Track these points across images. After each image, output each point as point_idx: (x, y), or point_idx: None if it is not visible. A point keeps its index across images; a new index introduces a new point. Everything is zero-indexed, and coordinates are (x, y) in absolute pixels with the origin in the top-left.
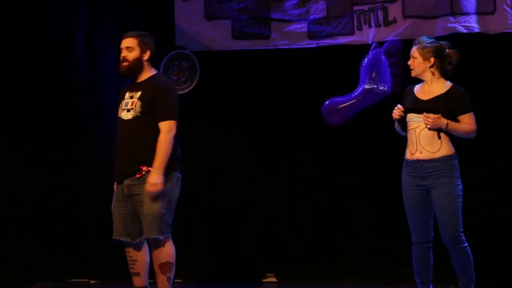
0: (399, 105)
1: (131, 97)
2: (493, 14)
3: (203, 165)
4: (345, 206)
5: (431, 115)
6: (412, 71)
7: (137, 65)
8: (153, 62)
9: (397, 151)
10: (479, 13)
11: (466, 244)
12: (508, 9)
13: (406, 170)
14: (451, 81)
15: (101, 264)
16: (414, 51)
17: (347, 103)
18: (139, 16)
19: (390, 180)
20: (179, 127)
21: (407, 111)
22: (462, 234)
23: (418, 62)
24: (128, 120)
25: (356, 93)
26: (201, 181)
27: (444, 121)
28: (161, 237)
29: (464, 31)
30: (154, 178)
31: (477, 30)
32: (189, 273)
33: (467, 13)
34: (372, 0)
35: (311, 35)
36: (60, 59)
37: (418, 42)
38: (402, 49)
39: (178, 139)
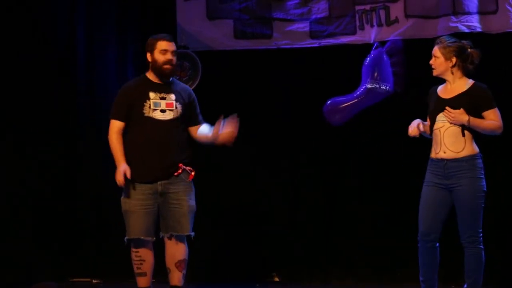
0: (415, 124)
1: (163, 98)
2: (495, 14)
3: (203, 164)
4: (345, 206)
5: (452, 110)
6: (434, 71)
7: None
8: None
9: (397, 151)
10: (481, 12)
11: (482, 247)
12: (510, 8)
13: (430, 168)
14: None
15: (103, 263)
16: (436, 50)
17: (349, 103)
18: (140, 16)
19: (390, 180)
20: None
21: (431, 114)
22: (481, 235)
23: (440, 62)
24: (166, 120)
25: (358, 93)
26: (201, 180)
27: (466, 117)
28: (193, 233)
29: (466, 30)
30: None
31: (479, 30)
32: (190, 273)
33: (469, 13)
34: (374, 0)
35: (313, 35)
36: (60, 59)
37: (440, 42)
38: (404, 48)
39: None
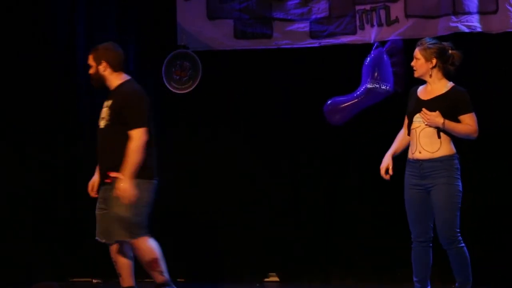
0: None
1: (106, 106)
2: (495, 14)
3: (204, 164)
4: (345, 206)
5: (428, 112)
6: (415, 72)
7: (98, 78)
8: (119, 68)
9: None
10: (481, 12)
11: (463, 245)
12: (510, 8)
13: (408, 169)
14: (454, 81)
15: (103, 263)
16: (417, 52)
17: (349, 103)
18: (141, 16)
19: (391, 179)
20: (152, 134)
21: (409, 114)
22: (459, 234)
23: (420, 63)
24: (101, 128)
25: (358, 93)
26: (202, 180)
27: (441, 119)
28: (131, 239)
29: (466, 30)
30: (124, 185)
31: (479, 30)
32: (192, 272)
33: (469, 13)
34: (374, 0)
35: (313, 35)
36: (60, 59)
37: (421, 44)
38: (404, 48)
39: (152, 147)
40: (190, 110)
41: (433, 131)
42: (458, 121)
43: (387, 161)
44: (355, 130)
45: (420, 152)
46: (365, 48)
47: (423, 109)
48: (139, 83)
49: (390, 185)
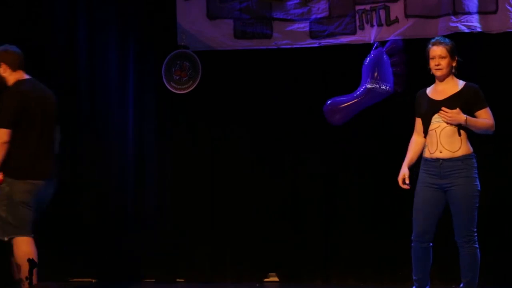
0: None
1: None
2: (495, 14)
3: (204, 164)
4: (346, 205)
5: (449, 110)
6: (439, 71)
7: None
8: (18, 68)
9: (398, 150)
10: (481, 12)
11: (477, 246)
12: (510, 8)
13: (424, 168)
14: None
15: (102, 263)
16: (443, 50)
17: (349, 103)
18: (141, 15)
19: (391, 179)
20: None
21: (424, 116)
22: (476, 234)
23: (447, 62)
24: None
25: (358, 93)
26: (203, 180)
27: (463, 116)
28: (5, 238)
29: (466, 30)
30: None
31: (479, 30)
32: (191, 273)
33: (469, 13)
34: (374, 0)
35: (313, 35)
36: (61, 61)
37: (439, 42)
38: (404, 48)
39: (40, 147)
40: (190, 110)
41: (454, 130)
42: (475, 117)
43: (404, 172)
44: (356, 130)
45: (441, 152)
46: (365, 48)
47: (443, 108)
48: (139, 83)
49: (390, 185)
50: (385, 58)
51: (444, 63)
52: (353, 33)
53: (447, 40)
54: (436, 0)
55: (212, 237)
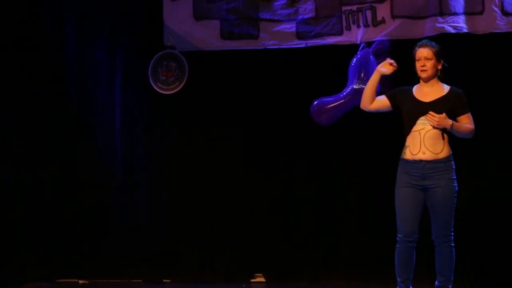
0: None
1: None
2: (482, 14)
3: (192, 166)
4: (334, 206)
5: (436, 115)
6: (424, 73)
7: None
8: None
9: (390, 150)
10: (468, 13)
11: (453, 244)
12: (496, 9)
13: (405, 169)
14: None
15: (90, 263)
16: (429, 52)
17: (336, 103)
18: (127, 15)
19: (381, 180)
20: None
21: (411, 116)
22: (453, 234)
23: (433, 64)
24: None
25: (344, 93)
26: (189, 181)
27: (449, 121)
28: None
29: (453, 31)
30: None
31: (465, 30)
32: (178, 273)
33: (455, 13)
34: (361, 0)
35: (299, 35)
36: (50, 62)
37: (426, 45)
38: (390, 49)
39: None
40: (177, 110)
41: (439, 133)
42: (457, 122)
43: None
44: (344, 130)
45: (424, 153)
46: (352, 48)
47: (431, 112)
48: (127, 83)
49: (380, 186)
50: (372, 59)
51: (429, 64)
52: (340, 33)
53: (433, 43)
54: (423, 0)
55: (199, 237)
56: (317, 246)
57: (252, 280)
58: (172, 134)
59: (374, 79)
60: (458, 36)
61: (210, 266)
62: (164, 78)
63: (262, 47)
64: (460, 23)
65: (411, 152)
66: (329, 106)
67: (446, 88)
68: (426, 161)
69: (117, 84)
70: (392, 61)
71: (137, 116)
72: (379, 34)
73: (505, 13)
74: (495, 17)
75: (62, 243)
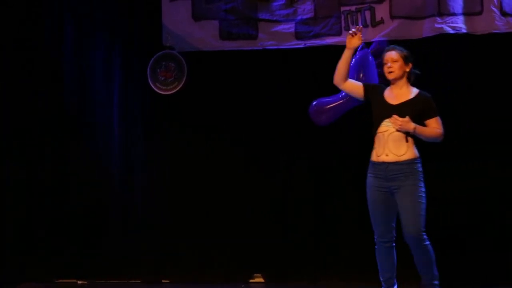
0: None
1: None
2: (480, 15)
3: (191, 166)
4: (332, 206)
5: (400, 118)
6: (391, 74)
7: None
8: None
9: None
10: (466, 13)
11: (428, 242)
12: (495, 9)
13: (372, 171)
14: (438, 81)
15: (88, 264)
16: (395, 54)
17: (335, 104)
18: (126, 15)
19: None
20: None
21: (377, 118)
22: (424, 233)
23: (399, 65)
24: None
25: (343, 94)
26: (187, 181)
27: (412, 125)
28: None
29: (451, 31)
30: None
31: (464, 31)
32: (177, 274)
33: (454, 14)
34: (360, 1)
35: (298, 36)
36: (48, 62)
37: (393, 48)
38: None
39: None
40: (177, 110)
41: (402, 135)
42: (424, 125)
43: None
44: (342, 131)
45: (387, 155)
46: None
47: (394, 115)
48: (125, 84)
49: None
50: (371, 59)
51: (395, 66)
52: (339, 34)
53: (402, 48)
54: (421, 1)
55: (198, 237)
56: (317, 246)
57: (251, 280)
58: (172, 134)
59: (345, 56)
60: (457, 37)
61: (210, 266)
62: (163, 78)
63: (261, 48)
64: (459, 24)
65: (376, 154)
66: (328, 106)
67: (414, 92)
68: (389, 163)
69: (116, 84)
70: (351, 31)
71: (136, 116)
72: (378, 35)
73: (504, 13)
74: (494, 17)
75: (62, 243)
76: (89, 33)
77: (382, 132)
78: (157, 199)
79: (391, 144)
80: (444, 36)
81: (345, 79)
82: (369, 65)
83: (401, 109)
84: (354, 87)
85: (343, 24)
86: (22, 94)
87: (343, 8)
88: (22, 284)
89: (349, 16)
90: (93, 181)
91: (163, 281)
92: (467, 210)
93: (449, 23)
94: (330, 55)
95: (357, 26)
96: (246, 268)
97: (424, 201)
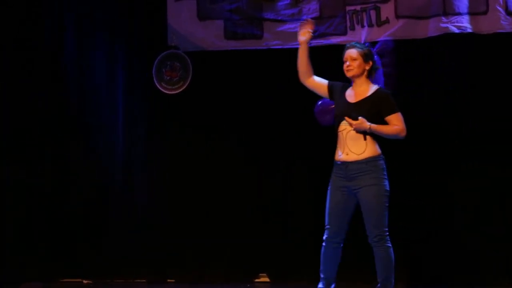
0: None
1: None
2: (486, 14)
3: (195, 166)
4: None
5: (352, 121)
6: (349, 72)
7: None
8: None
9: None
10: (472, 13)
11: (390, 245)
12: (500, 9)
13: (334, 171)
14: (444, 81)
15: (93, 263)
16: (355, 52)
17: None
18: (131, 16)
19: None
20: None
21: (337, 117)
22: (387, 234)
23: (358, 63)
24: None
25: None
26: (191, 181)
27: (366, 125)
28: None
29: (457, 31)
30: None
31: (469, 30)
32: (182, 273)
33: (459, 13)
34: (365, 0)
35: None
36: (50, 61)
37: (353, 46)
38: (394, 49)
39: None
40: (181, 110)
41: (360, 134)
42: (385, 122)
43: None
44: None
45: (347, 154)
46: None
47: (346, 118)
48: (129, 83)
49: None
50: (376, 59)
51: (354, 64)
52: (344, 33)
53: (362, 45)
54: (427, 0)
55: (202, 237)
56: (317, 246)
57: (256, 280)
58: (172, 134)
59: (301, 52)
60: (462, 36)
61: (214, 266)
62: (168, 78)
63: (266, 47)
64: (464, 23)
65: (337, 154)
66: (333, 106)
67: (372, 89)
68: (349, 162)
69: (119, 84)
70: (301, 22)
71: (136, 116)
72: (383, 34)
73: (509, 13)
74: (499, 17)
75: (66, 243)
76: (92, 32)
77: (341, 131)
78: (162, 198)
79: (350, 142)
80: (450, 35)
81: (308, 75)
82: None
83: (359, 107)
84: (318, 85)
85: (348, 24)
86: (22, 94)
87: (348, 8)
88: (26, 283)
89: (354, 15)
90: (98, 180)
91: (168, 280)
92: (467, 210)
93: (454, 22)
94: (335, 55)
95: (306, 20)
96: (246, 268)
97: (386, 200)
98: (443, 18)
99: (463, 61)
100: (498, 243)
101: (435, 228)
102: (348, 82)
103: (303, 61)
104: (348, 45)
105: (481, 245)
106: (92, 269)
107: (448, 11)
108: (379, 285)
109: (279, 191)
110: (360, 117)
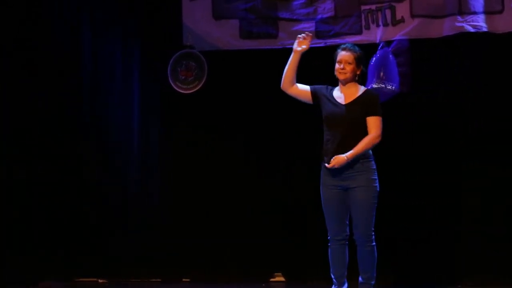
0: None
1: None
2: (501, 13)
3: (209, 164)
4: None
5: (332, 162)
6: (343, 75)
7: None
8: None
9: (401, 150)
10: (487, 12)
11: (375, 244)
12: None
13: (325, 170)
14: (459, 80)
15: (109, 263)
16: (350, 57)
17: None
18: (146, 15)
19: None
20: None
21: (331, 118)
22: (373, 233)
23: (352, 68)
24: None
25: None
26: (204, 179)
27: (344, 159)
28: None
29: (472, 30)
30: None
31: (485, 30)
32: (197, 272)
33: (475, 12)
34: (380, 0)
35: (318, 35)
36: (66, 60)
37: (348, 49)
38: (410, 48)
39: None
40: (196, 110)
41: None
42: (365, 122)
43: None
44: None
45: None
46: (371, 48)
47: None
48: (145, 83)
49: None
50: (391, 58)
51: (349, 68)
52: (359, 33)
53: (357, 48)
54: (442, 0)
55: (216, 236)
56: (317, 246)
57: (272, 279)
58: (173, 134)
59: (293, 60)
60: (478, 36)
61: (230, 265)
62: (183, 77)
63: (281, 47)
64: (480, 22)
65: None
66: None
67: (361, 90)
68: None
69: (135, 83)
70: (302, 35)
71: (155, 116)
72: (398, 34)
73: None
74: None
75: (81, 243)
76: (107, 32)
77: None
78: (177, 197)
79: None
80: (465, 35)
81: (292, 83)
82: (389, 64)
83: (351, 107)
84: (301, 92)
85: (363, 23)
86: (22, 94)
87: (363, 7)
88: (44, 282)
89: (369, 15)
90: (110, 179)
91: (183, 280)
92: (467, 209)
93: (469, 21)
94: None
95: (307, 33)
96: (245, 268)
97: (376, 200)
98: (459, 17)
99: (478, 61)
100: (499, 243)
101: (436, 228)
102: (329, 83)
103: (292, 69)
104: (343, 47)
105: (482, 245)
106: (107, 269)
107: (464, 10)
108: (360, 280)
109: (278, 191)
110: (332, 158)
